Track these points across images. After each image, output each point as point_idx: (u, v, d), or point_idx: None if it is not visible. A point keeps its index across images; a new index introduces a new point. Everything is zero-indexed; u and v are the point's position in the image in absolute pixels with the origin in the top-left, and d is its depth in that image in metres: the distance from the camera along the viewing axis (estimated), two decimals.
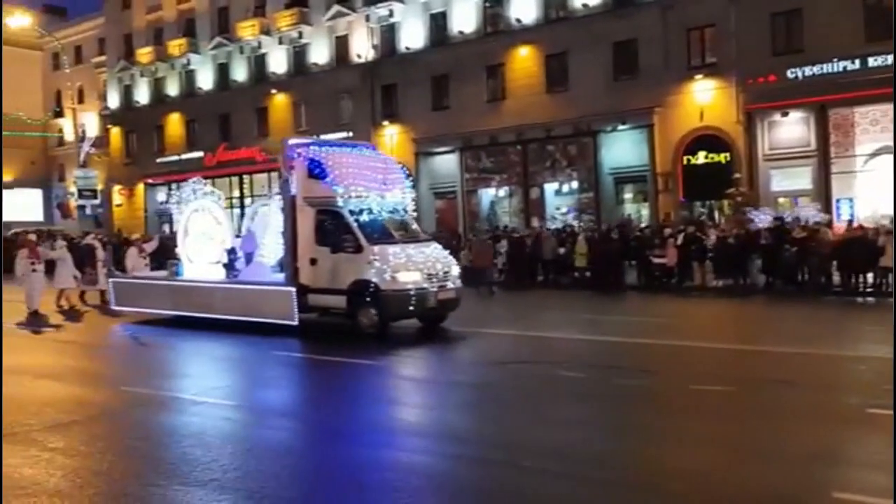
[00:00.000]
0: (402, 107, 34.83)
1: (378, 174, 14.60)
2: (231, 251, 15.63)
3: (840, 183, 24.86)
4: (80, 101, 49.32)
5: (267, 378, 11.25)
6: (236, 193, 41.84)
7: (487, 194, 33.49)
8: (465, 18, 32.65)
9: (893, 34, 21.18)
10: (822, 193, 24.74)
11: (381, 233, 13.93)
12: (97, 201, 38.13)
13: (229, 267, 15.54)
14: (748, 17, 25.76)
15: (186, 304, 15.79)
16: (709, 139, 27.01)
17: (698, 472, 6.40)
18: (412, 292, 13.18)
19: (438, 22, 33.71)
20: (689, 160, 27.52)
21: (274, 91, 39.32)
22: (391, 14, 34.90)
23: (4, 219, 49.23)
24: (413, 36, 34.30)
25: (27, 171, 57.10)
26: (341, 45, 37.12)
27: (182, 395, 9.61)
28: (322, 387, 10.74)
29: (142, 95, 46.49)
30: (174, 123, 44.64)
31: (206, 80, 42.87)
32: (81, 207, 37.83)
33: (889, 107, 23.55)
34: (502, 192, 33.01)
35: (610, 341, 12.87)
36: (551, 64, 30.56)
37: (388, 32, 35.39)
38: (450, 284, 13.90)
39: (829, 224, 21.38)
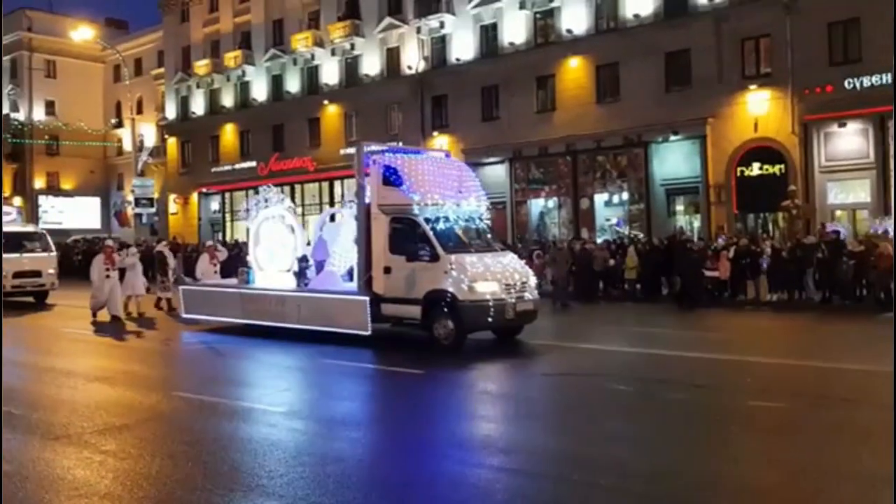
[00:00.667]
0: (451, 118, 34.96)
1: (453, 182, 14.27)
2: (302, 259, 15.42)
3: None
4: (139, 111, 50.71)
5: (330, 388, 11.21)
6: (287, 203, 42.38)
7: (537, 205, 33.34)
8: (515, 30, 32.67)
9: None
10: (881, 207, 24.02)
11: (457, 242, 13.62)
12: (153, 210, 39.08)
13: (300, 275, 15.32)
14: (804, 26, 25.22)
15: (257, 312, 15.59)
16: (763, 151, 26.48)
17: (755, 490, 6.25)
18: (490, 303, 12.79)
19: (489, 33, 33.80)
20: (742, 172, 27.01)
21: (326, 102, 39.85)
22: (442, 26, 35.11)
23: (66, 226, 51.09)
24: (464, 47, 34.44)
25: (87, 180, 58.93)
26: (392, 56, 37.48)
27: (237, 403, 9.71)
28: (385, 398, 10.77)
29: (198, 106, 47.55)
30: (229, 134, 45.55)
31: (260, 91, 43.67)
32: (138, 215, 38.82)
33: None
34: (552, 202, 32.84)
35: (676, 356, 12.61)
36: (602, 74, 30.36)
37: (439, 44, 35.60)
38: (528, 296, 13.51)
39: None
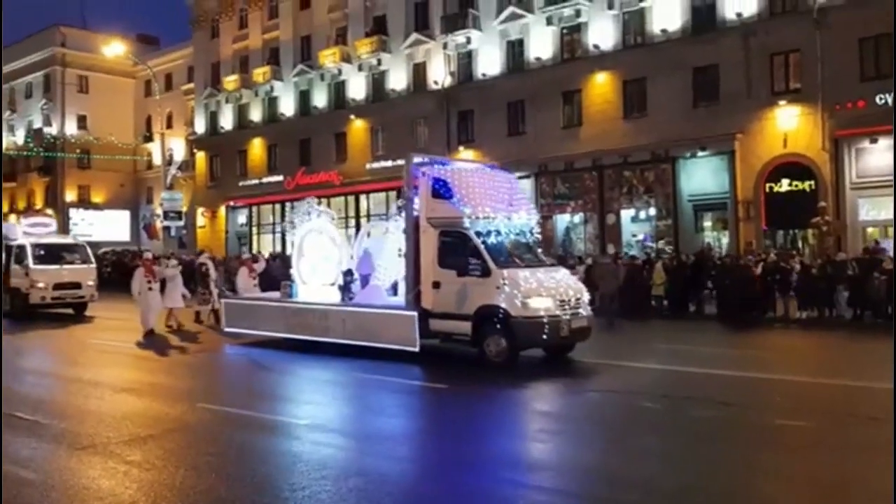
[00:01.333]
0: (477, 132, 35.02)
1: (504, 194, 13.93)
2: (347, 273, 15.11)
3: None
4: (169, 126, 51.44)
5: (368, 402, 11.05)
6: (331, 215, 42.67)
7: (563, 220, 33.22)
8: (542, 45, 32.70)
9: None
10: None
11: (508, 256, 13.27)
12: (182, 223, 39.48)
13: (345, 289, 14.99)
14: (835, 41, 24.96)
15: (301, 326, 15.24)
16: (793, 166, 26.19)
17: None
18: (545, 320, 12.43)
19: (515, 49, 33.88)
20: (771, 188, 26.73)
21: (352, 117, 40.14)
22: (469, 41, 35.25)
23: (96, 238, 51.76)
24: (490, 63, 34.53)
25: (117, 193, 59.78)
26: (419, 71, 37.68)
27: (264, 415, 9.67)
28: (422, 413, 10.64)
29: (227, 121, 48.12)
30: (256, 148, 46.02)
31: (288, 106, 44.11)
32: (167, 228, 39.24)
33: None
34: (577, 218, 32.69)
35: (708, 374, 12.47)
36: (629, 90, 30.26)
37: (466, 59, 35.73)
38: (582, 312, 13.14)
39: None
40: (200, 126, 49.93)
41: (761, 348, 15.95)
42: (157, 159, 52.33)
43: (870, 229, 25.04)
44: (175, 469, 7.23)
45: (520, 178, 33.20)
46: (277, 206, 44.71)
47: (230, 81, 46.70)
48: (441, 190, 13.34)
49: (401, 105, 37.97)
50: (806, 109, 25.85)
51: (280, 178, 43.42)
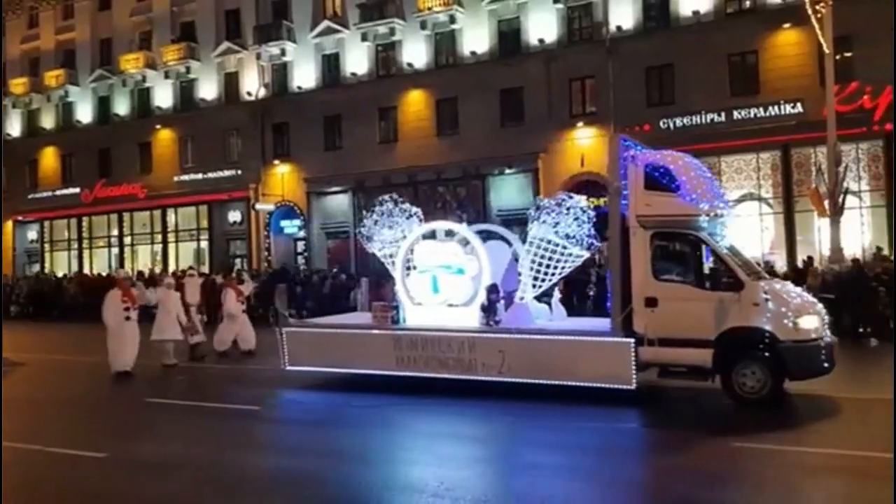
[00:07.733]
0: (293, 146, 34.66)
1: (717, 188, 11.68)
2: (492, 289, 12.23)
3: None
4: None
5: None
6: (115, 232, 40.27)
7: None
8: (357, 61, 33.02)
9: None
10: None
11: (743, 265, 10.82)
12: None
13: (489, 310, 12.06)
14: (624, 70, 27.34)
15: (423, 361, 12.08)
16: (590, 183, 28.23)
17: None
18: (821, 343, 10.25)
19: (331, 63, 33.95)
20: None
21: (158, 126, 38.28)
22: (283, 53, 34.85)
23: None
24: (305, 76, 34.36)
25: None
26: (231, 81, 36.68)
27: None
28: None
29: (14, 128, 44.14)
30: (49, 157, 42.56)
31: (85, 113, 41.24)
32: None
33: (752, 156, 25.64)
34: None
35: None
36: (442, 108, 31.28)
37: (280, 71, 35.29)
38: (829, 331, 10.87)
39: None
40: None
41: None
42: None
43: None
44: None
45: (337, 192, 33.53)
46: (73, 221, 41.69)
47: (18, 84, 42.95)
48: (662, 180, 10.79)
49: (212, 115, 36.76)
50: (600, 131, 28.02)
51: (76, 190, 40.52)
